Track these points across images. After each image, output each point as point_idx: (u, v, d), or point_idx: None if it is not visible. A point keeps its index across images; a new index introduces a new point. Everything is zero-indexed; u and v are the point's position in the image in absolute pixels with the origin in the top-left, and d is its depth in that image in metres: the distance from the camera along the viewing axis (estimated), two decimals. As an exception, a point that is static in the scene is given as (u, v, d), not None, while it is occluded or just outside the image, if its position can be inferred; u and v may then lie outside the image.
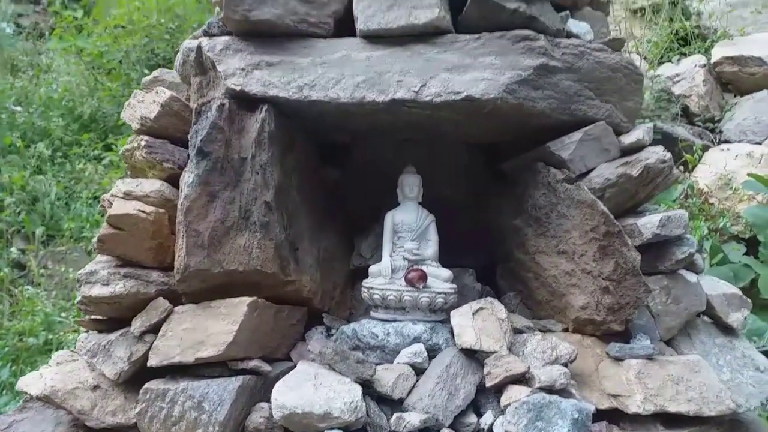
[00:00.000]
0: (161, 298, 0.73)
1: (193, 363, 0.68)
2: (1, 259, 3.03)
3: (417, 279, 0.77)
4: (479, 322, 0.73)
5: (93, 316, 0.76)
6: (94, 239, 1.10)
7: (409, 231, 0.82)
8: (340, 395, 0.64)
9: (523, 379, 0.67)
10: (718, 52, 3.63)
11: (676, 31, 3.77)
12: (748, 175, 2.80)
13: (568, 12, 0.82)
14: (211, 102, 0.76)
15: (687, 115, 3.55)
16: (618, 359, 0.73)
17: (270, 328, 0.74)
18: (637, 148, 0.82)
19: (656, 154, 0.80)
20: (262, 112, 0.76)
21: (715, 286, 0.88)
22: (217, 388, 0.67)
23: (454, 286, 0.80)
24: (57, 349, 2.32)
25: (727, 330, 0.85)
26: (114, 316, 0.75)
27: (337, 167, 0.95)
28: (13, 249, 2.96)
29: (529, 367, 0.67)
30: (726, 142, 3.35)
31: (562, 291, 0.79)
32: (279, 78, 0.76)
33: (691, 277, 0.82)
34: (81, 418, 0.70)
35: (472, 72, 0.74)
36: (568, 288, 0.78)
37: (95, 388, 0.71)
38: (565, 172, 0.78)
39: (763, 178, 2.69)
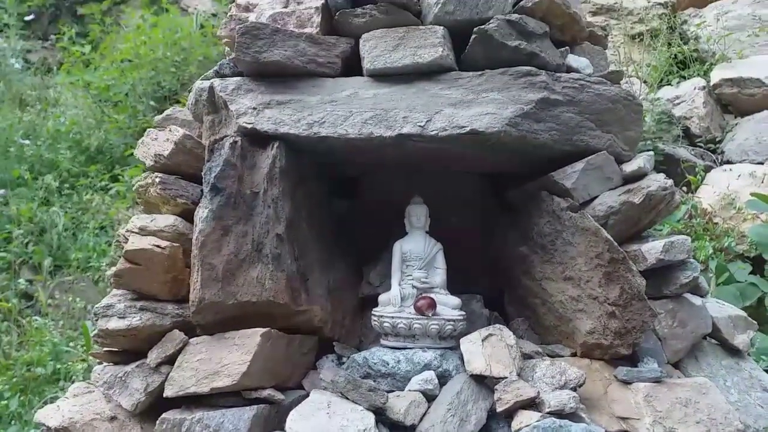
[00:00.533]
0: (176, 330, 0.75)
1: (209, 393, 0.70)
2: (9, 291, 3.06)
3: (426, 307, 0.79)
4: (488, 349, 0.74)
5: (108, 348, 0.78)
6: (109, 271, 1.13)
7: (417, 259, 0.84)
8: (353, 423, 0.65)
9: (533, 403, 0.69)
10: (717, 75, 3.68)
11: (675, 55, 3.83)
12: (751, 194, 2.81)
13: (567, 48, 0.85)
14: (224, 139, 0.79)
15: (688, 136, 3.58)
16: (626, 382, 0.75)
17: (283, 358, 0.76)
18: (638, 176, 0.84)
19: (658, 181, 0.83)
20: (273, 148, 0.79)
21: (720, 309, 0.90)
22: (233, 418, 0.68)
23: (463, 313, 0.82)
24: (65, 379, 2.34)
25: (734, 351, 0.87)
26: (129, 348, 0.77)
27: (346, 198, 0.97)
28: (21, 280, 2.99)
29: (538, 392, 0.69)
30: (728, 162, 3.38)
31: (569, 316, 0.81)
32: (289, 116, 0.79)
33: (696, 300, 0.83)
34: (98, 447, 0.71)
35: (476, 107, 0.77)
36: (575, 313, 0.80)
37: (112, 419, 0.72)
38: (569, 201, 0.80)
39: (766, 197, 2.70)
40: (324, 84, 0.81)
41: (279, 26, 0.82)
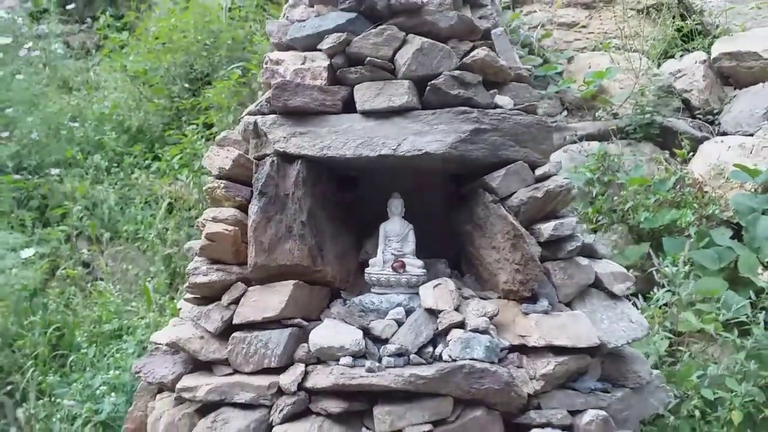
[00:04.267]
0: (239, 282, 1.22)
1: (261, 321, 1.17)
2: (70, 260, 3.65)
3: (399, 267, 1.25)
4: (437, 292, 1.20)
5: (195, 295, 1.27)
6: (186, 245, 1.62)
7: (395, 236, 1.30)
8: (349, 336, 1.12)
9: (461, 325, 1.14)
10: (717, 48, 4.02)
11: (679, 28, 4.14)
12: (734, 165, 3.22)
13: (496, 90, 1.27)
14: (265, 158, 1.25)
15: (689, 108, 3.96)
16: (526, 314, 1.20)
17: (307, 300, 1.23)
18: (546, 177, 1.27)
19: (556, 181, 1.25)
20: (297, 164, 1.24)
21: (607, 266, 1.33)
22: (276, 335, 1.16)
23: (424, 270, 1.28)
24: (127, 334, 2.91)
25: (612, 296, 1.31)
26: (209, 295, 1.25)
27: (349, 191, 1.43)
28: (84, 250, 3.58)
29: (464, 319, 1.14)
30: (724, 134, 3.76)
31: (494, 272, 1.26)
32: (307, 142, 1.24)
33: (583, 261, 1.27)
34: (194, 355, 1.20)
35: (429, 135, 1.21)
36: (498, 270, 1.25)
37: (201, 337, 1.21)
38: (493, 196, 1.24)
39: (748, 168, 3.12)
40: (330, 119, 1.26)
41: (299, 80, 1.26)
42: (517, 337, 1.17)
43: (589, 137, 3.77)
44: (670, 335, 2.76)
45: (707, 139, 3.75)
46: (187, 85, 4.60)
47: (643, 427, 2.52)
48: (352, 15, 1.27)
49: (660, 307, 2.86)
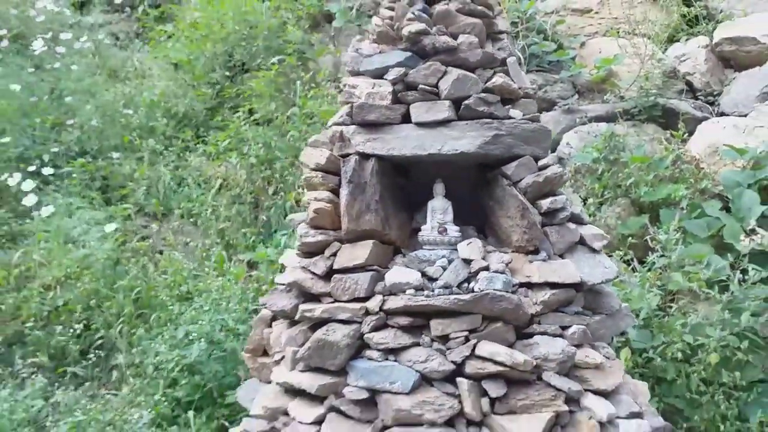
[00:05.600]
0: (336, 242, 1.89)
1: (352, 267, 1.84)
2: (135, 234, 4.37)
3: (442, 231, 1.91)
4: (469, 248, 1.86)
5: (305, 250, 1.94)
6: (289, 216, 2.31)
7: (439, 210, 1.96)
8: (412, 276, 1.79)
9: (487, 269, 1.80)
10: (719, 33, 4.64)
11: (685, 14, 4.73)
12: (725, 145, 3.87)
13: (510, 106, 1.91)
14: (350, 156, 1.90)
15: (692, 90, 4.58)
16: (530, 262, 1.86)
17: (381, 253, 1.89)
18: (545, 167, 1.90)
19: (553, 170, 1.89)
20: (372, 161, 1.89)
21: (589, 230, 1.98)
22: (363, 276, 1.83)
23: (460, 233, 1.93)
24: (198, 296, 3.60)
25: (593, 250, 1.96)
26: (314, 251, 1.92)
27: (405, 177, 2.08)
28: (154, 225, 4.29)
29: (488, 264, 1.80)
30: (722, 114, 4.39)
31: (509, 234, 1.92)
32: (378, 145, 1.88)
33: (571, 226, 1.92)
34: (307, 290, 1.87)
35: (463, 140, 1.85)
36: (511, 233, 1.90)
37: (311, 278, 1.88)
38: (508, 181, 1.89)
39: (737, 147, 3.77)
40: (393, 129, 1.90)
41: (371, 101, 1.91)
42: (524, 277, 1.83)
43: (598, 119, 4.42)
44: (662, 293, 3.44)
45: (707, 119, 4.37)
46: (227, 73, 5.27)
47: (635, 368, 3.22)
48: (408, 54, 1.91)
49: (654, 270, 3.55)
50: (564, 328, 1.80)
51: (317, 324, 1.81)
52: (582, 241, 1.92)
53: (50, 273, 3.77)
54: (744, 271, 3.16)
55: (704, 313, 3.29)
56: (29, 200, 3.70)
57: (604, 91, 4.60)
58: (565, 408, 1.69)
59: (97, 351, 3.51)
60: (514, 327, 1.76)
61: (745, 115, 4.13)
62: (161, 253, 4.34)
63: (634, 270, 3.61)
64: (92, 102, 4.99)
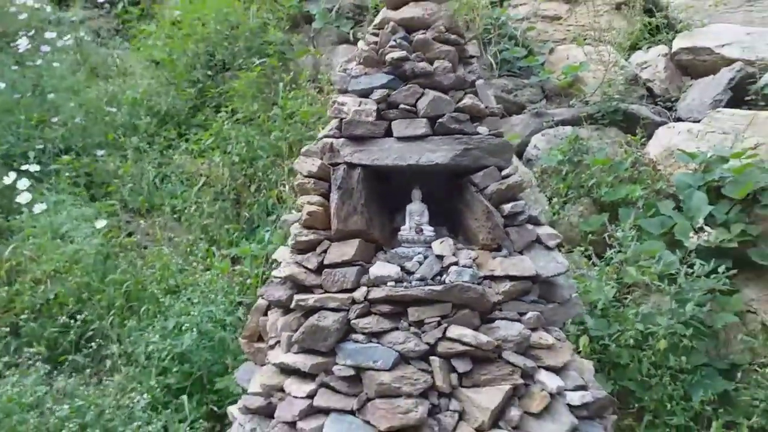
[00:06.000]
0: (326, 240, 2.23)
1: (340, 262, 2.18)
2: (120, 230, 4.64)
3: (418, 231, 2.26)
4: (442, 246, 2.22)
5: (298, 248, 2.28)
6: (284, 216, 2.66)
7: (416, 212, 2.31)
8: (393, 270, 2.14)
9: (456, 264, 2.16)
10: (677, 43, 5.09)
11: (647, 23, 5.16)
12: (678, 150, 4.30)
13: (478, 123, 2.27)
14: (338, 165, 2.24)
15: (652, 95, 5.02)
16: (494, 258, 2.22)
17: (365, 250, 2.24)
18: (507, 176, 2.27)
19: (514, 179, 2.26)
20: (358, 170, 2.23)
21: (545, 230, 2.36)
22: (350, 270, 2.17)
23: (434, 233, 2.29)
24: (185, 289, 3.90)
25: (548, 248, 2.33)
26: (306, 249, 2.25)
27: (387, 184, 2.43)
28: (142, 222, 4.56)
29: (458, 260, 2.17)
30: (679, 120, 4.83)
31: (476, 234, 2.28)
32: (364, 156, 2.22)
33: (529, 227, 2.29)
34: (301, 283, 2.21)
35: (438, 152, 2.20)
36: (478, 232, 2.27)
37: (304, 272, 2.22)
38: (476, 188, 2.25)
39: (688, 152, 4.20)
40: (377, 142, 2.24)
41: (358, 117, 2.24)
42: (488, 271, 2.20)
43: (564, 122, 4.83)
44: (618, 285, 3.86)
45: (665, 123, 4.80)
46: (209, 73, 5.56)
47: (593, 354, 3.63)
48: (391, 77, 2.26)
49: (612, 265, 3.97)
50: (522, 314, 2.17)
51: (310, 312, 2.15)
52: (538, 240, 2.30)
53: (40, 268, 4.04)
54: (691, 266, 3.59)
55: (656, 304, 3.71)
56: (24, 198, 3.96)
57: (571, 96, 5.00)
58: (521, 381, 2.06)
59: (89, 342, 3.79)
60: (479, 313, 2.13)
61: (699, 121, 4.57)
62: (145, 248, 4.62)
63: (594, 264, 4.02)
64: (75, 99, 5.23)
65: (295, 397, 2.09)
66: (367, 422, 1.99)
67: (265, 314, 2.42)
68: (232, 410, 2.40)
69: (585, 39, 5.21)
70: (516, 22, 5.33)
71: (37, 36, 5.57)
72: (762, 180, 3.89)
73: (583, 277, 3.80)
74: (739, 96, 4.67)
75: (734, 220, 3.86)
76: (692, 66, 4.99)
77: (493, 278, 2.18)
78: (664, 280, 3.67)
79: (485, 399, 1.99)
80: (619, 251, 3.90)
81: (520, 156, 4.79)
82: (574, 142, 4.51)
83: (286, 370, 2.17)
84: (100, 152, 5.00)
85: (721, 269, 3.50)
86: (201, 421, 3.28)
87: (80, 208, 4.33)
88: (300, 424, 2.04)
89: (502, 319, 2.13)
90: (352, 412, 2.03)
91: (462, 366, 2.05)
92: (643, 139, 4.44)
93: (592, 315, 3.65)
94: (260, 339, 2.48)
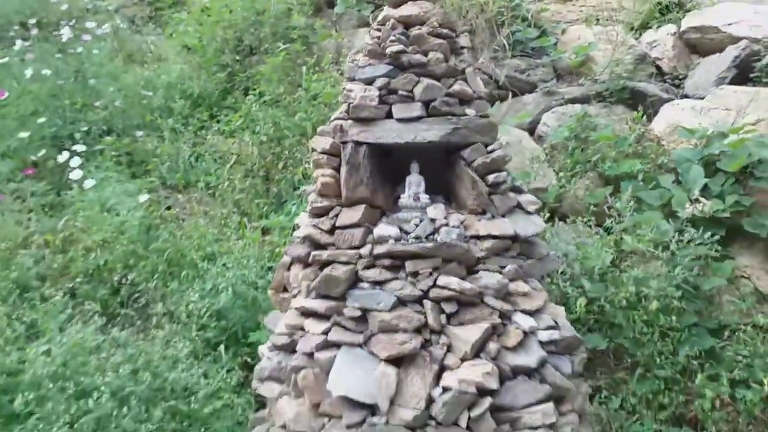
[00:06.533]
0: (337, 206, 2.77)
1: (350, 224, 2.72)
2: (159, 204, 5.27)
3: (416, 198, 2.79)
4: (435, 211, 2.75)
5: (314, 212, 2.83)
6: (301, 187, 3.23)
7: (414, 183, 2.84)
8: (393, 230, 2.67)
9: (446, 225, 2.69)
10: (686, 22, 5.51)
11: (658, 2, 5.57)
12: (679, 126, 4.76)
13: (466, 106, 2.77)
14: (347, 143, 2.77)
15: (661, 73, 5.44)
16: (479, 221, 2.74)
17: (371, 215, 2.78)
18: (492, 151, 2.76)
19: (498, 153, 2.76)
20: (364, 147, 2.76)
21: (526, 197, 2.86)
22: (357, 231, 2.71)
23: (429, 200, 2.82)
24: (219, 258, 4.51)
25: (528, 213, 2.84)
26: (321, 213, 2.80)
27: (388, 158, 2.96)
28: (179, 196, 5.20)
29: (448, 222, 2.69)
30: (686, 96, 5.25)
31: (464, 200, 2.80)
32: (369, 135, 2.75)
33: (512, 194, 2.80)
34: (317, 241, 2.76)
35: (431, 131, 2.71)
36: (466, 199, 2.79)
37: (319, 233, 2.77)
38: (465, 161, 2.76)
39: (688, 128, 4.66)
40: (379, 123, 2.76)
41: (364, 102, 2.77)
42: (474, 231, 2.72)
43: (574, 100, 5.29)
44: (616, 252, 4.36)
45: (672, 100, 5.22)
46: (237, 57, 6.15)
47: (585, 314, 4.13)
48: (391, 67, 2.78)
49: (612, 233, 4.46)
50: (502, 267, 2.69)
51: (324, 265, 2.71)
52: (519, 206, 2.81)
53: (90, 237, 4.69)
54: (682, 233, 4.06)
55: (651, 269, 4.19)
56: (76, 175, 4.60)
57: (582, 75, 5.44)
58: (500, 321, 2.59)
59: (135, 302, 4.44)
60: (465, 266, 2.66)
61: (703, 98, 4.97)
62: (183, 221, 5.26)
63: (596, 233, 4.50)
64: (114, 84, 5.87)
65: (313, 334, 2.66)
66: (371, 352, 2.54)
67: (288, 269, 2.99)
68: (262, 349, 2.99)
69: (597, 19, 5.63)
70: (530, 4, 5.76)
71: (77, 25, 6.21)
72: (756, 154, 4.30)
73: (584, 245, 4.29)
74: (744, 73, 5.04)
75: (729, 192, 4.29)
76: (700, 44, 5.37)
77: (478, 237, 2.70)
78: (659, 248, 4.15)
79: (468, 334, 2.52)
80: (619, 221, 4.37)
81: (531, 133, 5.26)
82: (582, 120, 4.96)
83: (306, 313, 2.74)
84: (139, 133, 5.63)
85: (708, 236, 3.95)
86: (236, 369, 3.89)
87: (123, 184, 4.96)
88: (317, 355, 2.61)
89: (485, 270, 2.66)
90: (359, 345, 2.58)
91: (449, 308, 2.58)
92: (644, 118, 4.87)
93: (591, 279, 4.14)
94: (285, 290, 3.05)
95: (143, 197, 4.70)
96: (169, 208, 5.38)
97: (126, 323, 4.23)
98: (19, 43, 5.62)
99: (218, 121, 5.81)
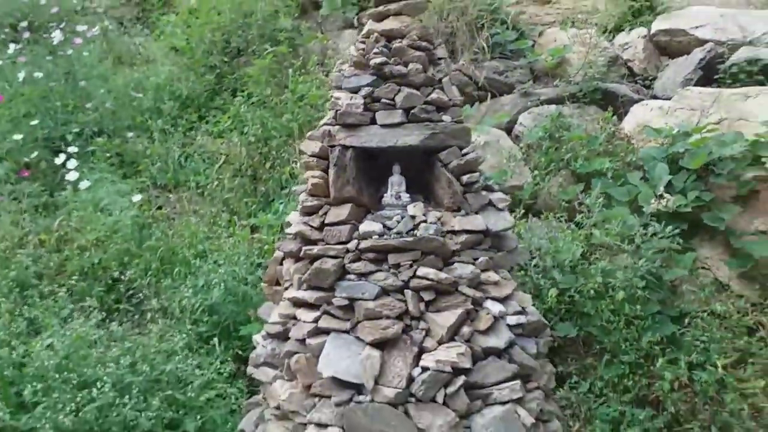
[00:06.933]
0: (326, 205, 3.12)
1: (337, 221, 3.07)
2: (149, 204, 5.58)
3: (397, 197, 3.15)
4: (415, 208, 3.11)
5: (304, 212, 3.18)
6: (294, 187, 3.59)
7: (396, 183, 3.20)
8: (377, 226, 3.03)
9: (425, 221, 3.05)
10: (656, 25, 5.93)
11: (631, 5, 5.97)
12: (646, 126, 5.17)
13: (443, 113, 3.13)
14: (335, 147, 3.12)
15: (632, 74, 5.85)
16: (454, 217, 3.10)
17: (357, 213, 3.13)
18: (466, 153, 3.13)
19: (472, 156, 3.12)
20: (350, 150, 3.10)
21: (497, 195, 3.23)
22: (344, 228, 3.05)
23: (410, 199, 3.18)
24: (210, 254, 4.84)
25: (499, 209, 3.21)
26: (310, 212, 3.15)
27: (373, 160, 3.32)
28: (170, 195, 5.52)
29: (427, 219, 3.05)
30: (655, 97, 5.65)
31: (442, 199, 3.16)
32: (355, 139, 3.10)
33: (485, 192, 3.17)
34: (307, 237, 3.11)
35: (411, 136, 3.07)
36: (443, 198, 3.15)
37: (309, 230, 3.12)
38: (442, 163, 3.13)
39: (654, 128, 5.06)
40: (364, 128, 3.10)
41: (350, 109, 3.12)
42: (450, 227, 3.09)
43: (550, 101, 5.69)
44: (586, 245, 4.75)
45: (642, 101, 5.62)
46: (225, 59, 6.47)
47: (557, 304, 4.51)
48: (374, 77, 3.14)
49: (583, 228, 4.86)
50: (475, 259, 3.06)
51: (314, 259, 3.06)
52: (491, 203, 3.18)
53: (84, 237, 5.00)
54: (647, 227, 4.46)
55: (618, 262, 4.58)
56: (72, 176, 4.91)
57: (558, 76, 5.83)
58: (472, 308, 2.96)
59: (129, 299, 4.77)
60: (442, 258, 3.02)
61: (671, 98, 5.38)
62: (173, 219, 5.58)
63: (569, 228, 4.89)
64: (105, 86, 6.17)
65: (305, 322, 3.01)
66: (358, 338, 2.90)
67: (281, 264, 3.34)
68: (256, 338, 3.34)
69: (573, 22, 6.02)
70: (508, 7, 6.14)
71: (66, 27, 6.49)
72: (716, 152, 4.70)
73: (556, 239, 4.67)
74: (709, 75, 5.46)
75: (691, 188, 4.70)
76: (669, 46, 5.78)
77: (454, 232, 3.07)
78: (626, 241, 4.54)
79: (444, 320, 2.89)
80: (589, 217, 4.76)
81: (509, 132, 5.65)
82: (556, 120, 5.36)
83: (298, 303, 3.09)
84: (129, 134, 5.94)
85: (669, 230, 4.35)
86: (229, 360, 4.23)
87: (116, 184, 5.28)
88: (308, 341, 2.96)
89: (459, 262, 3.02)
90: (346, 331, 2.94)
91: (428, 296, 2.95)
92: (614, 118, 5.26)
93: (562, 271, 4.53)
94: (277, 283, 3.40)
95: (137, 197, 5.01)
96: (159, 207, 5.70)
97: (122, 319, 4.55)
98: (12, 46, 5.89)
99: (207, 122, 6.13)
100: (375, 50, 3.17)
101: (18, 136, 5.37)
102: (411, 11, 3.23)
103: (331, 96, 3.21)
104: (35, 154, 5.48)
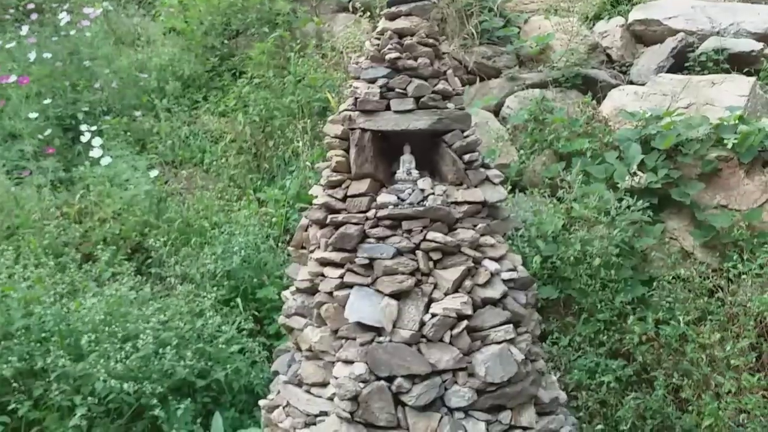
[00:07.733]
0: (348, 179, 3.86)
1: (358, 193, 3.82)
2: (158, 181, 6.28)
3: (409, 173, 3.92)
4: (424, 183, 3.88)
5: (328, 185, 3.93)
6: (316, 165, 4.35)
7: (407, 161, 3.95)
8: (392, 197, 3.78)
9: (432, 194, 3.82)
10: (632, 15, 6.77)
11: None
12: (621, 110, 6.02)
13: (447, 101, 3.89)
14: (354, 129, 3.86)
15: (611, 61, 6.68)
16: (457, 190, 3.88)
17: (374, 186, 3.87)
18: (468, 136, 3.89)
19: (473, 138, 3.89)
20: (368, 133, 3.84)
21: (493, 172, 4.01)
22: (364, 199, 3.79)
23: (419, 175, 3.95)
24: (221, 227, 5.59)
25: (494, 184, 3.99)
26: (334, 185, 3.90)
27: (387, 141, 4.07)
28: (183, 172, 6.20)
29: (434, 191, 3.83)
30: (631, 83, 6.49)
31: (446, 175, 3.94)
32: (372, 123, 3.84)
33: (482, 170, 3.94)
34: (332, 207, 3.86)
35: (421, 121, 3.82)
36: (447, 174, 3.92)
37: (334, 201, 3.87)
38: (446, 144, 3.89)
39: (629, 111, 5.91)
40: (380, 114, 3.84)
41: (368, 97, 3.86)
42: (454, 199, 3.86)
43: (534, 85, 6.49)
44: (566, 218, 5.58)
45: (620, 86, 6.45)
46: (225, 41, 7.14)
47: (540, 270, 5.37)
48: (389, 70, 3.88)
49: (564, 202, 5.69)
50: (475, 225, 3.85)
51: (339, 225, 3.82)
52: (487, 179, 3.97)
53: (103, 210, 5.69)
54: (621, 201, 5.29)
55: (595, 232, 5.41)
56: (96, 153, 5.58)
57: (542, 62, 6.63)
58: (473, 265, 3.74)
59: (150, 266, 5.48)
60: (447, 225, 3.79)
61: (645, 84, 6.21)
62: (182, 195, 6.29)
63: (551, 203, 5.70)
64: (110, 67, 6.81)
65: (331, 278, 3.77)
66: (377, 290, 3.67)
67: (306, 230, 4.09)
68: (286, 293, 4.10)
69: (556, 10, 6.80)
70: (496, -5, 6.90)
71: (68, 7, 7.09)
72: (684, 134, 5.55)
73: (540, 212, 5.49)
74: (680, 63, 6.30)
75: (661, 167, 5.54)
76: (645, 35, 6.61)
77: (457, 203, 3.85)
78: (602, 214, 5.38)
79: (450, 275, 3.67)
80: (569, 192, 5.59)
81: (497, 114, 6.44)
82: (540, 103, 6.16)
83: (324, 263, 3.85)
84: (136, 113, 6.60)
85: (641, 204, 5.19)
86: (249, 318, 4.99)
87: (133, 160, 5.95)
88: (335, 293, 3.73)
89: (462, 228, 3.81)
90: (368, 285, 3.71)
91: (435, 256, 3.72)
92: (593, 102, 6.08)
93: (545, 241, 5.36)
94: (303, 247, 4.15)
95: (154, 172, 5.70)
96: (166, 182, 6.39)
97: (150, 283, 5.27)
98: (25, 29, 6.49)
99: (209, 102, 6.81)
100: (389, 46, 3.91)
101: (33, 115, 5.99)
102: (419, 12, 3.98)
103: (351, 85, 3.95)
104: (48, 131, 6.11)
